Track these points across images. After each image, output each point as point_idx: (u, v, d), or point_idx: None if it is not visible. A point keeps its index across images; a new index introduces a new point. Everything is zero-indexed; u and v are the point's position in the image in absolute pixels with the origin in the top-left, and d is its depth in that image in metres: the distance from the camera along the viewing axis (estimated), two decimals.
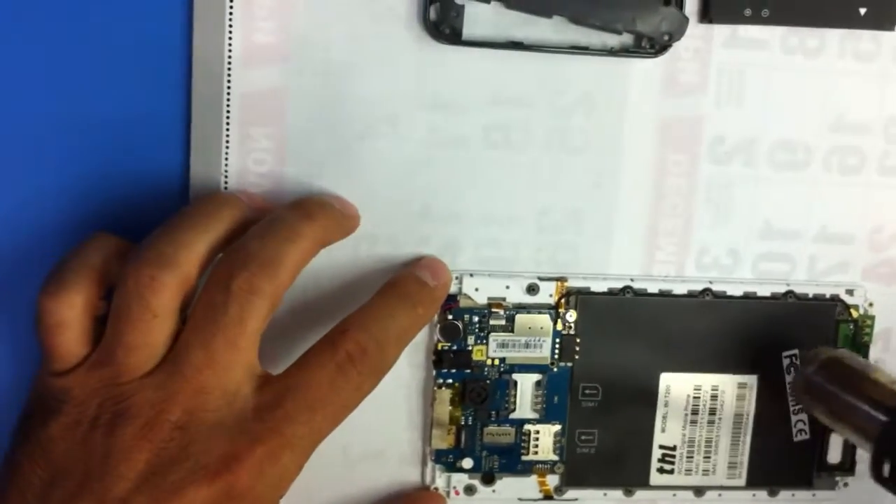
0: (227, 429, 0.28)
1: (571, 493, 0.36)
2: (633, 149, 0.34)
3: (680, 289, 0.35)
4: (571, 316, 0.34)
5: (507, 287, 0.34)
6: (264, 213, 0.32)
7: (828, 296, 0.36)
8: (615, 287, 0.35)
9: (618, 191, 0.34)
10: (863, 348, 0.36)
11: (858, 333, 0.36)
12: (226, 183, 0.32)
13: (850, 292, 0.36)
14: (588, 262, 0.35)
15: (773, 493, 0.37)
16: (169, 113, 0.32)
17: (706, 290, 0.35)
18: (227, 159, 0.32)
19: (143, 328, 0.28)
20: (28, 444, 0.28)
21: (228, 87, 0.32)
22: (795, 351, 0.36)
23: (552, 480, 0.35)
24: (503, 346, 0.34)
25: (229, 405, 0.28)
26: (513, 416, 0.35)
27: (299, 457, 0.28)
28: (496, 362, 0.34)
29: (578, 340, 0.35)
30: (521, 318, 0.34)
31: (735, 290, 0.35)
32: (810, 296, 0.36)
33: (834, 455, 0.37)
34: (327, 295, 0.34)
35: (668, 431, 0.36)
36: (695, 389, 0.35)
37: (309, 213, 0.31)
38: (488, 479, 0.35)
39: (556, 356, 0.35)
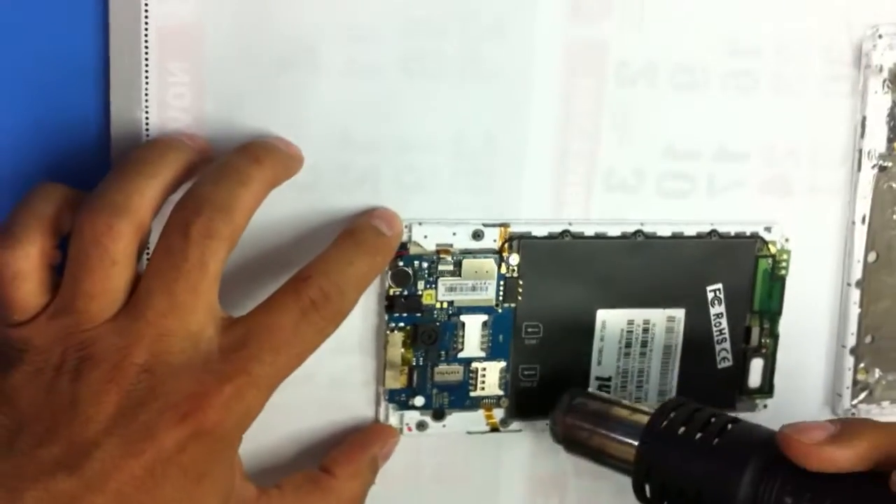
0: (194, 369, 0.29)
1: (516, 425, 0.38)
2: (543, 75, 0.36)
3: (614, 231, 0.37)
4: (514, 259, 0.36)
5: (454, 234, 0.36)
6: (208, 155, 0.32)
7: (748, 233, 0.38)
8: (555, 231, 0.36)
9: (529, 116, 0.36)
10: (780, 281, 0.39)
11: (776, 267, 0.39)
12: (146, 119, 0.33)
13: (768, 229, 0.38)
14: (502, 183, 0.36)
15: None
16: (86, 49, 0.32)
17: (638, 232, 0.37)
18: (146, 95, 0.33)
19: (102, 275, 0.29)
20: None
21: (146, 21, 0.32)
22: (719, 285, 0.38)
23: (498, 414, 0.38)
24: (451, 289, 0.36)
25: (194, 347, 0.29)
26: (461, 355, 0.37)
27: (263, 395, 0.30)
28: (445, 305, 0.36)
29: (521, 282, 0.36)
30: (467, 263, 0.36)
31: (664, 231, 0.37)
32: (732, 234, 0.38)
33: (754, 380, 0.40)
34: (271, 237, 0.35)
35: (603, 364, 0.38)
36: (628, 324, 0.38)
37: (257, 157, 0.32)
38: (439, 415, 0.37)
39: (501, 298, 0.36)
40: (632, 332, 0.38)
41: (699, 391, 0.39)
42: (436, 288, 0.36)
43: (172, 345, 0.29)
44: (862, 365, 0.40)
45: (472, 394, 0.37)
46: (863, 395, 0.40)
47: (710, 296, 0.38)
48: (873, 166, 0.39)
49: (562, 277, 0.37)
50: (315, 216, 0.35)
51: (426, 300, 0.36)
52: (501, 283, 0.36)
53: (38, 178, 0.32)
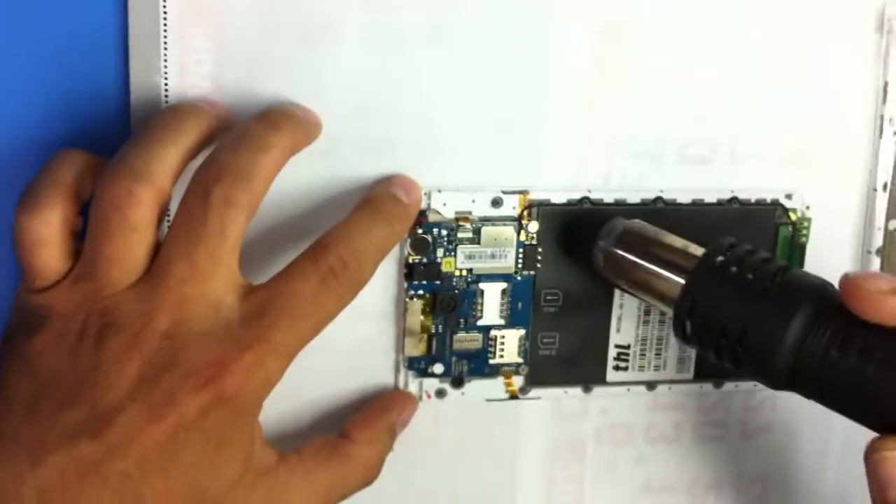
0: (215, 336, 0.29)
1: (535, 392, 0.38)
2: (564, 43, 0.35)
3: (633, 198, 0.37)
4: (533, 227, 0.36)
5: (473, 201, 0.35)
6: (227, 121, 0.33)
7: (768, 200, 0.38)
8: (574, 198, 0.36)
9: (550, 84, 0.36)
10: (800, 248, 0.39)
11: (796, 235, 0.38)
12: (166, 85, 0.33)
13: (788, 196, 0.38)
14: (522, 152, 0.36)
15: (718, 385, 0.39)
16: (105, 15, 0.32)
17: (658, 199, 0.37)
18: (166, 61, 0.33)
19: (122, 241, 0.29)
20: (13, 360, 0.29)
21: None
22: None
23: (517, 381, 0.38)
24: (470, 257, 0.36)
25: (215, 314, 0.29)
26: (480, 322, 0.37)
27: (283, 362, 0.30)
28: (464, 273, 0.36)
29: (540, 250, 0.36)
30: (486, 231, 0.36)
31: (685, 198, 0.37)
32: (752, 201, 0.38)
33: None
34: (290, 205, 0.35)
35: (622, 332, 0.38)
36: None
37: (276, 123, 0.32)
38: (458, 383, 0.37)
39: (520, 265, 0.36)
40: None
41: None
42: (455, 255, 0.36)
43: (193, 311, 0.29)
44: None
45: (492, 361, 0.37)
46: None
47: None
48: (895, 132, 0.38)
49: (581, 245, 0.36)
50: (334, 184, 0.35)
51: (445, 268, 0.36)
52: (520, 250, 0.36)
53: (58, 146, 0.32)
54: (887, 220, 0.39)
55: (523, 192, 0.36)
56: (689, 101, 0.37)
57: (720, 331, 0.31)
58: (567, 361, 0.38)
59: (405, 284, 0.36)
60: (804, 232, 0.38)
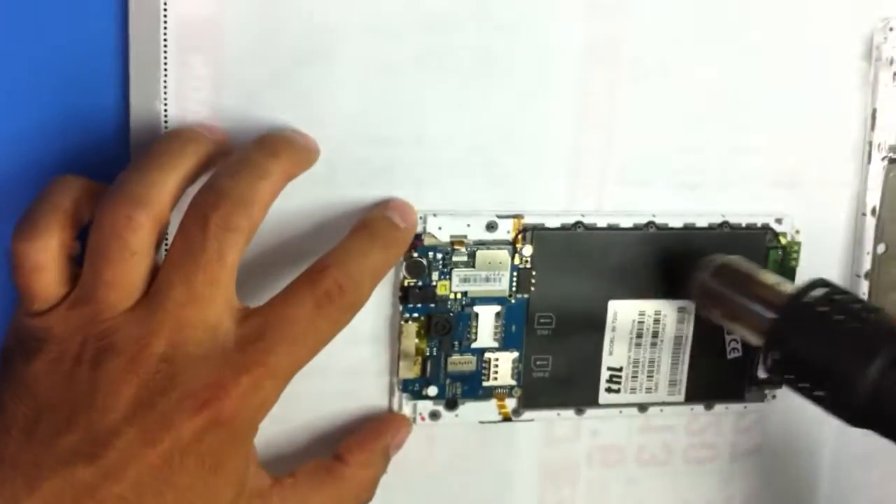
0: (212, 360, 0.29)
1: (528, 415, 0.38)
2: (557, 69, 0.36)
3: (626, 222, 0.37)
4: (527, 250, 0.36)
5: (468, 225, 0.36)
6: (226, 146, 0.33)
7: (759, 224, 0.38)
8: (568, 222, 0.37)
9: (544, 110, 0.36)
10: (790, 271, 0.39)
11: (786, 258, 0.39)
12: (165, 111, 0.33)
13: (778, 221, 0.38)
14: (517, 177, 0.36)
15: (709, 407, 0.40)
16: (106, 42, 0.32)
17: (650, 223, 0.37)
18: (165, 87, 0.33)
19: (121, 266, 0.29)
20: (10, 383, 0.29)
21: (165, 14, 0.32)
22: None
23: (510, 403, 0.38)
24: (465, 280, 0.36)
25: (212, 338, 0.29)
26: (474, 345, 0.37)
27: (279, 385, 0.30)
28: (459, 296, 0.36)
29: (534, 273, 0.37)
30: (481, 254, 0.36)
31: (676, 223, 0.38)
32: (743, 225, 0.38)
33: (763, 371, 0.40)
34: (288, 229, 0.35)
35: (614, 354, 0.38)
36: (639, 315, 0.38)
37: (275, 150, 0.32)
38: (451, 405, 0.37)
39: (514, 288, 0.37)
40: (643, 323, 0.38)
41: (709, 381, 0.39)
42: (450, 279, 0.36)
43: (191, 335, 0.29)
44: None
45: (485, 384, 0.37)
46: None
47: None
48: (883, 158, 0.39)
49: (574, 268, 0.37)
50: (331, 209, 0.35)
51: (440, 291, 0.36)
52: (515, 273, 0.37)
53: (57, 170, 0.32)
54: (875, 244, 0.39)
55: (517, 217, 0.36)
56: (680, 128, 0.37)
57: (803, 367, 0.32)
58: (560, 384, 0.38)
59: (400, 307, 0.36)
60: (794, 256, 0.39)
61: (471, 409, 0.37)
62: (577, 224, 0.37)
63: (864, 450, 0.42)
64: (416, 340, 0.36)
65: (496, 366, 0.37)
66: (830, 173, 0.39)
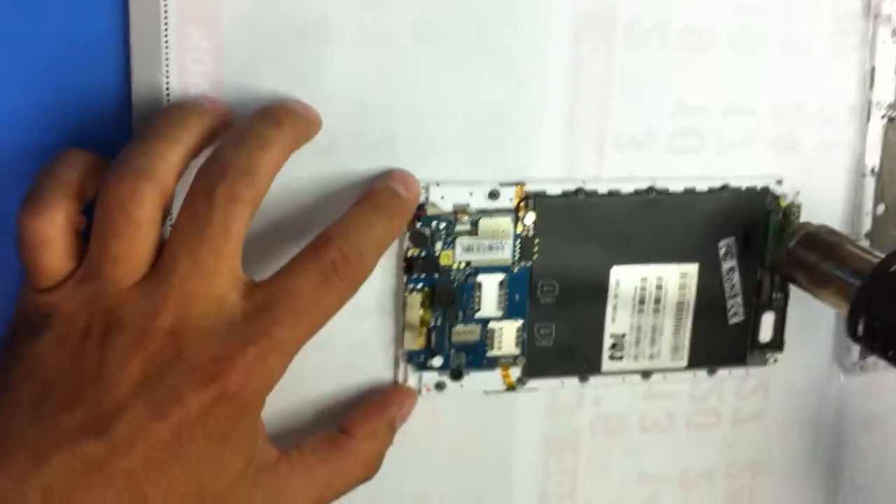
0: (219, 333, 0.29)
1: (532, 384, 0.38)
2: (553, 37, 0.36)
3: (627, 188, 0.37)
4: (530, 218, 0.36)
5: (471, 194, 0.36)
6: (228, 118, 0.33)
7: (759, 188, 0.38)
8: (569, 189, 0.37)
9: (540, 78, 0.36)
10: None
11: (787, 220, 0.39)
12: (167, 84, 0.33)
13: (779, 182, 0.38)
14: (514, 146, 0.36)
15: (711, 372, 0.40)
16: (107, 15, 0.32)
17: (650, 189, 0.37)
18: (167, 60, 0.33)
19: (128, 240, 0.29)
20: (16, 361, 0.29)
21: None
22: (731, 240, 0.38)
23: (514, 373, 0.38)
24: (468, 249, 0.36)
25: (218, 311, 0.29)
26: (478, 315, 0.37)
27: (286, 358, 0.30)
28: (462, 266, 0.36)
29: (537, 241, 0.37)
30: (484, 223, 0.36)
31: (676, 187, 0.37)
32: (743, 188, 0.38)
33: (765, 334, 0.40)
34: (290, 201, 0.35)
35: (617, 321, 0.38)
36: (641, 280, 0.38)
37: (277, 120, 0.32)
38: (456, 375, 0.37)
39: (517, 257, 0.37)
40: (645, 289, 0.38)
41: (711, 346, 0.39)
42: (453, 248, 0.36)
43: (197, 309, 0.29)
44: None
45: (489, 353, 0.37)
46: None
47: (723, 251, 0.38)
48: (882, 117, 0.39)
49: (577, 236, 0.37)
50: (333, 179, 0.35)
51: (444, 261, 0.36)
52: (517, 242, 0.36)
53: (60, 145, 0.32)
54: (875, 204, 0.39)
55: (520, 184, 0.36)
56: (677, 93, 0.37)
57: (890, 334, 0.32)
58: (563, 352, 0.38)
59: (404, 278, 0.36)
60: (795, 217, 0.39)
61: (475, 380, 0.37)
62: (579, 191, 0.37)
63: (865, 413, 0.43)
64: (421, 311, 0.36)
65: (500, 335, 0.37)
66: (829, 134, 0.39)
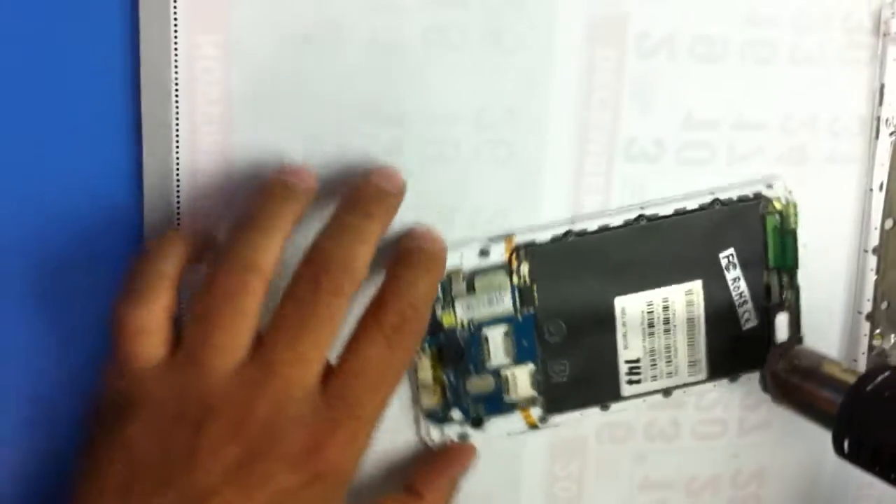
0: (307, 418, 0.31)
1: (554, 419, 0.39)
2: (563, 46, 0.36)
3: (616, 221, 0.38)
4: (524, 268, 0.37)
5: (461, 255, 0.37)
6: (314, 187, 0.34)
7: (751, 195, 0.39)
8: (558, 234, 0.37)
9: (550, 87, 0.37)
10: (791, 234, 0.39)
11: (784, 221, 0.39)
12: (176, 92, 0.34)
13: (769, 186, 0.39)
14: (522, 154, 0.37)
15: (733, 379, 0.40)
16: (116, 23, 0.33)
17: (640, 217, 0.38)
18: (176, 69, 0.34)
19: (233, 330, 0.31)
20: (105, 444, 0.30)
21: None
22: (731, 251, 0.39)
23: (535, 412, 0.39)
24: (469, 308, 0.37)
25: (307, 398, 0.31)
26: (489, 364, 0.38)
27: (371, 429, 0.32)
28: (465, 324, 0.37)
29: (535, 287, 0.37)
30: (479, 281, 0.37)
31: (666, 210, 0.38)
32: (735, 199, 0.38)
33: (781, 334, 0.40)
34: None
35: (630, 347, 0.39)
36: (647, 305, 0.39)
37: (369, 212, 0.33)
38: (477, 423, 0.38)
39: (518, 306, 0.38)
40: (652, 313, 0.39)
41: (729, 355, 0.40)
42: (453, 309, 0.37)
43: (292, 396, 0.31)
44: (878, 331, 0.41)
45: (507, 399, 0.38)
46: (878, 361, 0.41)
47: (724, 262, 0.39)
48: (891, 133, 0.39)
49: (574, 274, 0.38)
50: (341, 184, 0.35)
51: (447, 322, 0.37)
52: (516, 292, 0.37)
53: (64, 148, 0.33)
54: (883, 219, 0.39)
55: (508, 237, 0.37)
56: (687, 105, 0.38)
57: (874, 451, 0.33)
58: (581, 385, 0.39)
59: None
60: (792, 217, 0.39)
61: (497, 425, 0.39)
62: (568, 233, 0.37)
63: None
64: (432, 371, 0.37)
65: (514, 380, 0.38)
66: (838, 149, 0.39)
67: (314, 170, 0.34)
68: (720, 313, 0.39)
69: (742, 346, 0.40)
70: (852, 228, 0.40)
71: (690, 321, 0.39)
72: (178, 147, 0.34)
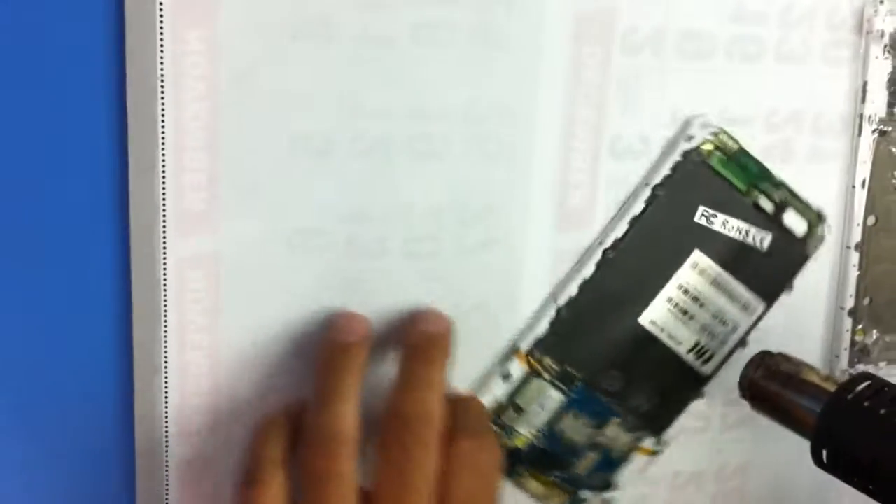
0: None
1: (668, 434, 0.40)
2: (552, 42, 0.35)
3: (588, 269, 0.37)
4: (546, 361, 0.38)
5: (492, 392, 0.38)
6: (370, 338, 0.35)
7: (680, 157, 0.38)
8: (552, 316, 0.38)
9: (538, 83, 0.36)
10: (738, 153, 0.38)
11: (725, 148, 0.38)
12: (162, 88, 0.33)
13: (690, 138, 0.37)
14: (511, 150, 0.36)
15: (789, 291, 0.41)
16: (101, 18, 0.32)
17: (605, 253, 0.37)
18: (162, 64, 0.32)
19: (337, 497, 0.33)
20: None
21: None
22: (701, 207, 0.38)
23: (649, 443, 0.40)
24: (528, 423, 0.38)
25: None
26: (581, 445, 0.39)
27: None
28: (536, 434, 0.39)
29: (566, 366, 0.38)
30: (520, 399, 0.38)
31: (621, 229, 0.37)
32: (669, 172, 0.38)
33: (799, 229, 0.39)
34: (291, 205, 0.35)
35: (682, 341, 0.39)
36: (669, 302, 0.38)
37: (431, 359, 0.35)
38: (607, 486, 0.40)
39: (566, 388, 0.38)
40: (678, 304, 0.39)
41: (768, 277, 0.40)
42: (518, 432, 0.38)
43: None
44: (860, 326, 0.42)
45: (617, 453, 0.40)
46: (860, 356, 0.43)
47: (703, 220, 0.38)
48: (873, 131, 0.38)
49: (590, 329, 0.38)
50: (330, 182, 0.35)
51: (521, 443, 0.38)
52: (555, 382, 0.38)
53: (51, 149, 0.33)
54: (866, 216, 0.39)
55: (516, 351, 0.38)
56: (673, 101, 0.37)
57: (853, 461, 0.33)
58: (667, 396, 0.40)
59: (506, 476, 0.38)
60: (728, 140, 0.38)
61: (625, 474, 0.40)
62: (559, 311, 0.37)
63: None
64: (541, 484, 0.39)
65: (611, 439, 0.39)
66: (821, 146, 0.39)
67: (363, 317, 0.35)
68: (734, 255, 0.39)
69: (775, 260, 0.40)
70: (835, 225, 0.40)
71: (715, 282, 0.39)
72: (164, 143, 0.33)
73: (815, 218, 0.40)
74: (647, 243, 0.38)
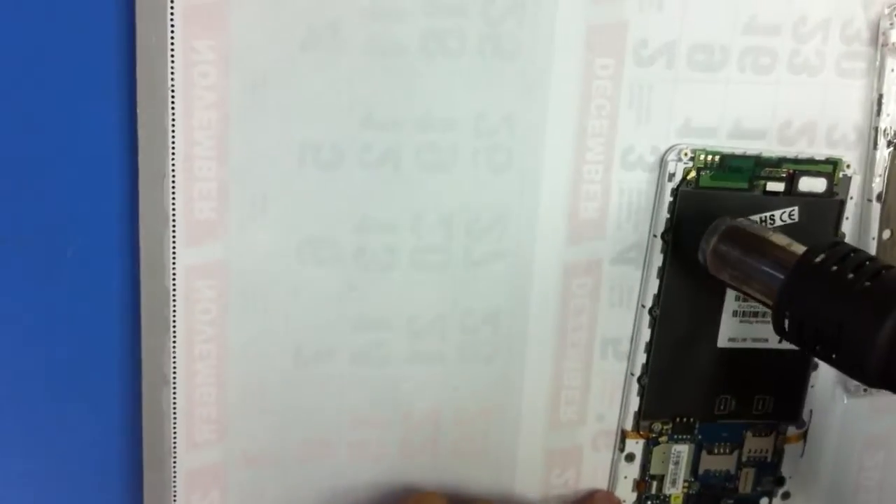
0: None
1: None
2: (562, 54, 0.35)
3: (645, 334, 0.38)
4: (667, 433, 0.39)
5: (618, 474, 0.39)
6: None
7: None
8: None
9: (548, 94, 0.36)
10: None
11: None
12: (172, 96, 0.33)
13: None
14: (521, 161, 0.36)
15: None
16: (113, 27, 0.33)
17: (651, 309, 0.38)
18: (172, 73, 0.33)
19: None
20: None
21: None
22: None
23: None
24: (671, 483, 0.40)
25: None
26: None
27: None
28: (686, 485, 0.40)
29: (681, 420, 0.39)
30: (654, 469, 0.40)
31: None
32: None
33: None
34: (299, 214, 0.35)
35: (769, 337, 0.39)
36: (735, 315, 0.38)
37: None
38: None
39: (687, 435, 0.39)
40: (744, 312, 0.38)
41: None
42: (670, 499, 0.40)
43: None
44: None
45: (766, 459, 0.40)
46: None
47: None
48: (889, 144, 0.38)
49: (683, 378, 0.39)
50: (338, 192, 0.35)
51: (680, 501, 0.40)
52: (677, 439, 0.39)
53: (59, 146, 0.33)
54: (881, 229, 0.39)
55: (622, 433, 0.39)
56: (685, 113, 0.36)
57: (817, 328, 0.31)
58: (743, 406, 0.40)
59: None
60: (714, 158, 0.37)
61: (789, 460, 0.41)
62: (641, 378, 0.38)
63: (869, 434, 0.43)
64: None
65: (754, 446, 0.40)
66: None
67: None
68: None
69: (810, 224, 0.38)
70: (850, 238, 0.39)
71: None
72: (174, 152, 0.33)
73: (831, 168, 0.38)
74: (685, 282, 0.37)
